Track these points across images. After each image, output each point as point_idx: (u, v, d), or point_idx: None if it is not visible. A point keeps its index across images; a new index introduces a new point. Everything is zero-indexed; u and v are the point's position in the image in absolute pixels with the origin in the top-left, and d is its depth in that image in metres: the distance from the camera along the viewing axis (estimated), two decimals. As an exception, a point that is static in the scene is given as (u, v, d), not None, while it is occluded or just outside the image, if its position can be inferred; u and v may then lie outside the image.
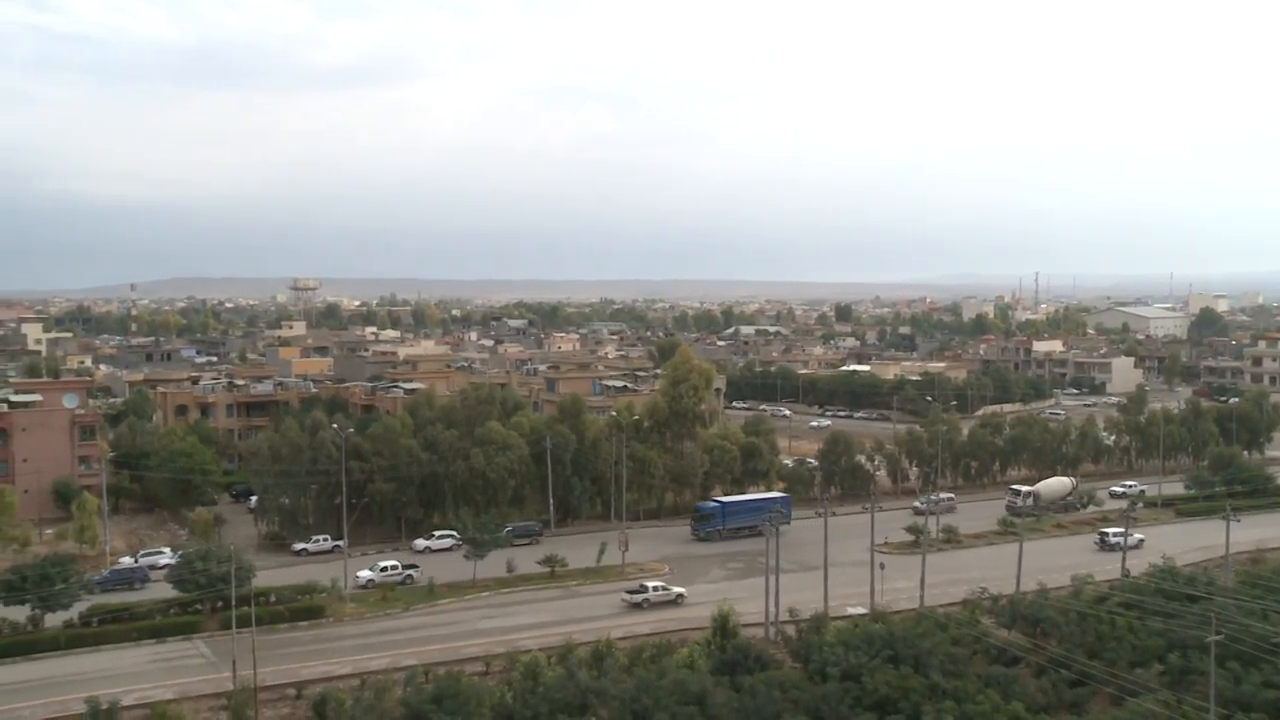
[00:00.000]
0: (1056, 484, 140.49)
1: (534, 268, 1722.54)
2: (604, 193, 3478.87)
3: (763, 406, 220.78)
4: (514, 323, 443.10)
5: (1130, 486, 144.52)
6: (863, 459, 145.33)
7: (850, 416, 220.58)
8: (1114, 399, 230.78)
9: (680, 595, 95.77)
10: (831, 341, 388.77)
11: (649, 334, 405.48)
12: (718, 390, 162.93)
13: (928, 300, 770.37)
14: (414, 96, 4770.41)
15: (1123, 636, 74.87)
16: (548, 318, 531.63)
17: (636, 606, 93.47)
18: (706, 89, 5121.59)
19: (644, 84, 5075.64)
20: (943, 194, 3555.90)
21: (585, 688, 63.43)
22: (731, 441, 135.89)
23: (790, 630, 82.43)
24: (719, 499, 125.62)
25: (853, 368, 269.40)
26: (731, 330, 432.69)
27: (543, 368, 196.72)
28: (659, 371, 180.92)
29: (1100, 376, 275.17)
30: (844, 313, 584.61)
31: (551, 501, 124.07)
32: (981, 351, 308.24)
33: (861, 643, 70.99)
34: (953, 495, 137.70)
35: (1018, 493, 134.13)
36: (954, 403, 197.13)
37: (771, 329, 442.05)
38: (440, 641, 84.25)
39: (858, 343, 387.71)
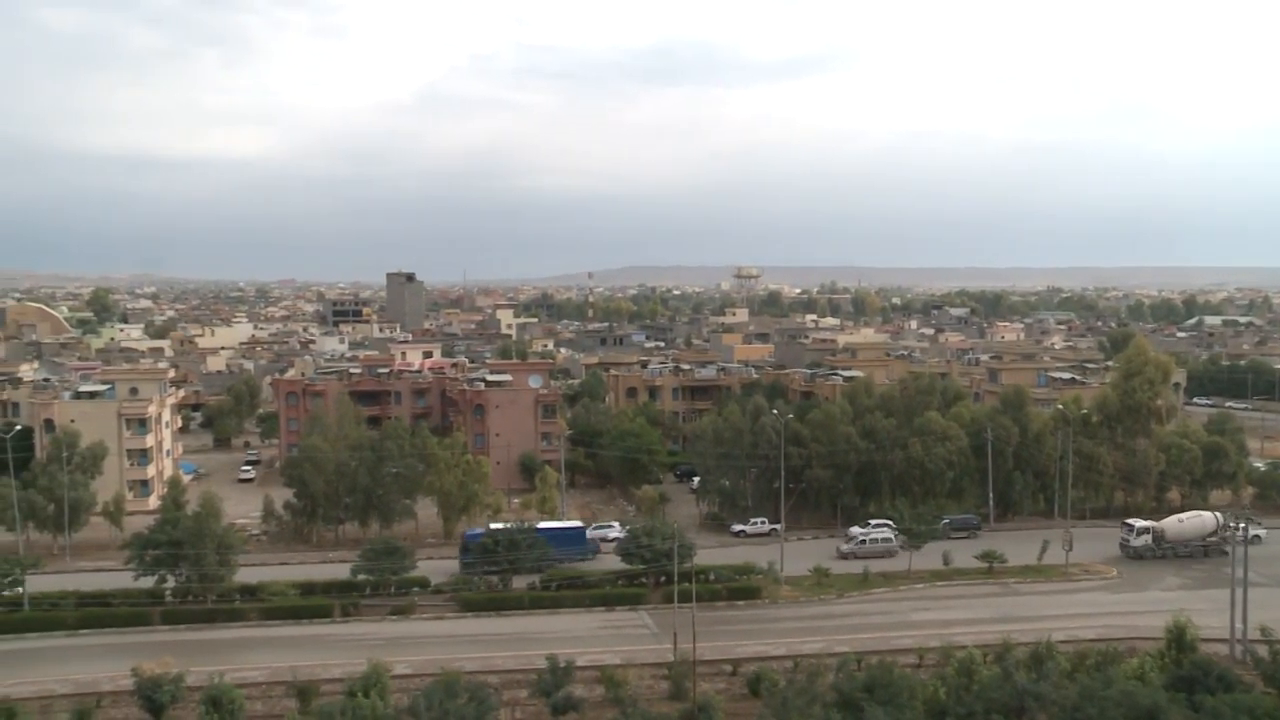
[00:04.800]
0: (1193, 520, 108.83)
1: (976, 254, 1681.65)
2: (1048, 176, 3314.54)
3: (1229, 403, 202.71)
4: (955, 311, 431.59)
5: None
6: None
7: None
8: None
9: None
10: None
11: (1099, 324, 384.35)
12: (1176, 385, 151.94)
13: None
14: (849, 84, 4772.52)
15: None
16: (990, 306, 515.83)
17: None
18: (1149, 66, 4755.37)
19: (1083, 63, 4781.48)
20: None
21: (1023, 690, 61.00)
22: (1192, 440, 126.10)
23: (1261, 651, 75.18)
24: (485, 528, 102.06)
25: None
26: (1194, 320, 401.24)
27: (985, 357, 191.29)
28: (1110, 363, 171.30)
29: None
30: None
31: (991, 495, 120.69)
32: None
33: (1348, 670, 63.53)
34: (891, 536, 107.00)
35: (1132, 529, 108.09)
36: None
37: (1242, 319, 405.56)
38: (873, 630, 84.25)
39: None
